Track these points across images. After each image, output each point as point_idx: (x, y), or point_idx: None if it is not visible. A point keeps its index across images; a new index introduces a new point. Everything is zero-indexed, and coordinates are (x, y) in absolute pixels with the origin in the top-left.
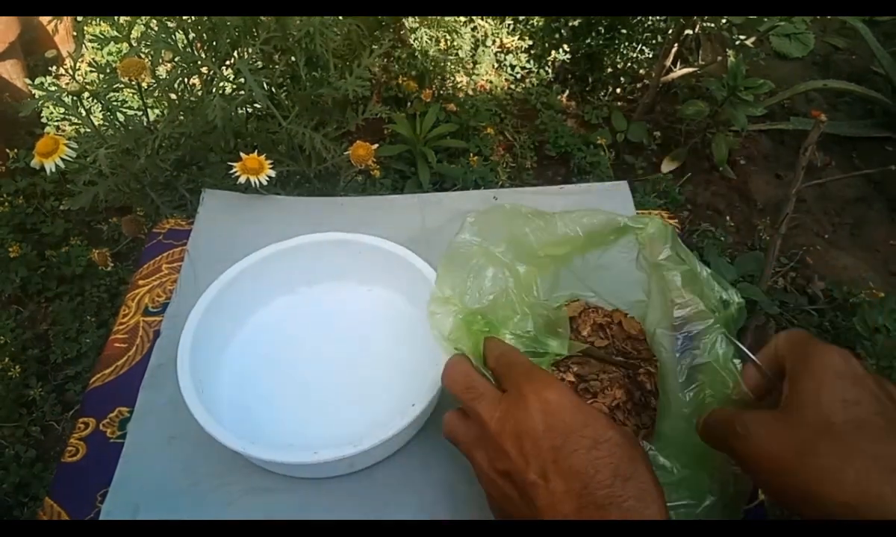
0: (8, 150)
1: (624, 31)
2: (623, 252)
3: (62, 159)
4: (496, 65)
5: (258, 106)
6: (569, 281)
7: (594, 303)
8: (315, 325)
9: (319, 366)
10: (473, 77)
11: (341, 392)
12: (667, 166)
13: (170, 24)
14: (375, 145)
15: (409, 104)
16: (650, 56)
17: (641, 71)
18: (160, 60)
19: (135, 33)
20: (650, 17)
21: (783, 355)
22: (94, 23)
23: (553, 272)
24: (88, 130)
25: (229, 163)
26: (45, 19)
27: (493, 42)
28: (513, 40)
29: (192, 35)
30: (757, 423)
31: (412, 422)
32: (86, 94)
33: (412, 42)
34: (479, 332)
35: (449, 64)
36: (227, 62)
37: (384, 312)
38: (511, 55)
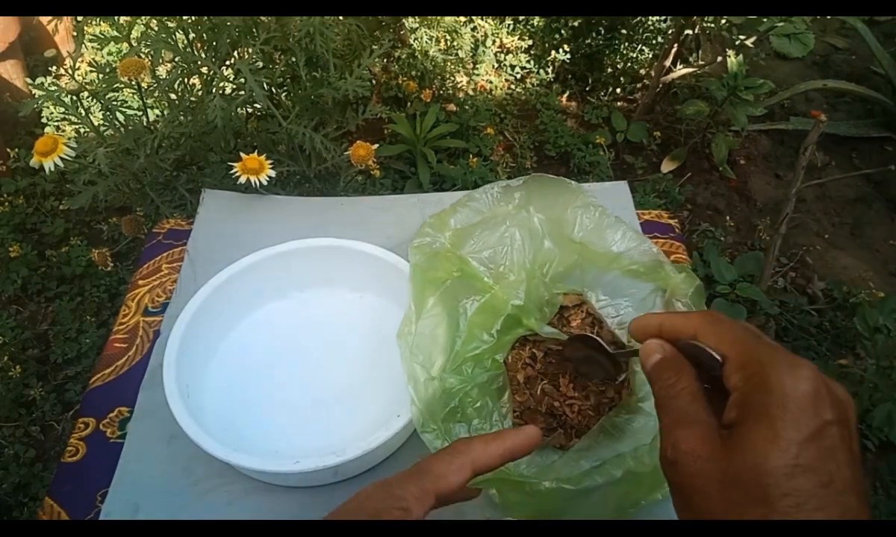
0: (8, 150)
1: (624, 31)
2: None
3: (61, 158)
4: (496, 65)
5: (258, 106)
6: (577, 280)
7: (593, 303)
8: (305, 331)
9: (307, 372)
10: (473, 77)
11: (328, 399)
12: (667, 166)
13: (170, 24)
14: (375, 145)
15: (409, 104)
16: (650, 56)
17: (641, 71)
18: (160, 60)
19: (135, 33)
20: (650, 17)
21: (733, 359)
22: (94, 23)
23: (573, 262)
24: (88, 130)
25: (229, 164)
26: (45, 19)
27: (493, 42)
28: (513, 40)
29: (192, 35)
30: (689, 454)
31: (397, 434)
32: (85, 94)
33: (412, 42)
34: (449, 273)
35: (449, 64)
36: (227, 62)
37: (374, 320)
38: (511, 55)
